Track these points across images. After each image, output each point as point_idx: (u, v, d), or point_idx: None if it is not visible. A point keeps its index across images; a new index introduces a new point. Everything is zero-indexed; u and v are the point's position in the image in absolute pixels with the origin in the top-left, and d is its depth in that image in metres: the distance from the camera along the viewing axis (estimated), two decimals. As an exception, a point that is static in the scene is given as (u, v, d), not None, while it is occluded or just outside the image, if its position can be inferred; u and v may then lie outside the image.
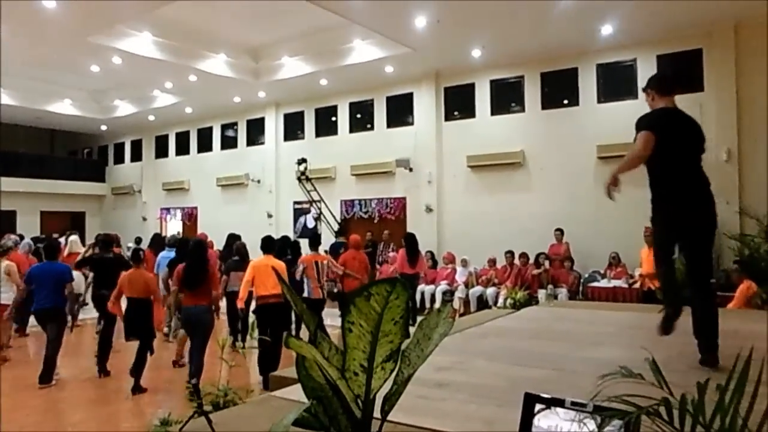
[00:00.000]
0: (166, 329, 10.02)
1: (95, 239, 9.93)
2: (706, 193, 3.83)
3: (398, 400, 1.65)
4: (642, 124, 3.81)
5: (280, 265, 7.61)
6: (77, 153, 24.87)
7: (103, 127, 21.45)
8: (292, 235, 15.68)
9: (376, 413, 1.66)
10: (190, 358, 7.06)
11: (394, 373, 1.60)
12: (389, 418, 1.71)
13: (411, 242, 11.03)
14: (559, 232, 12.00)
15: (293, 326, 9.22)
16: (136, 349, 7.30)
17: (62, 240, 12.27)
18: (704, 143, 3.93)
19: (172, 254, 9.64)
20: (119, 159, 23.06)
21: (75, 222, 21.50)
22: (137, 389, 7.06)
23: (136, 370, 7.12)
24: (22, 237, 11.75)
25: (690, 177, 3.81)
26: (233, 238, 11.02)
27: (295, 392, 2.56)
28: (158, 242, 11.63)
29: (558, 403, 1.71)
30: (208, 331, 6.97)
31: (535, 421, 1.74)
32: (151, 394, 7.12)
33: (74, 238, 12.44)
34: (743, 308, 7.09)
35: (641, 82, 11.69)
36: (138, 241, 15.05)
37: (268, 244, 7.94)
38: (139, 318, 7.26)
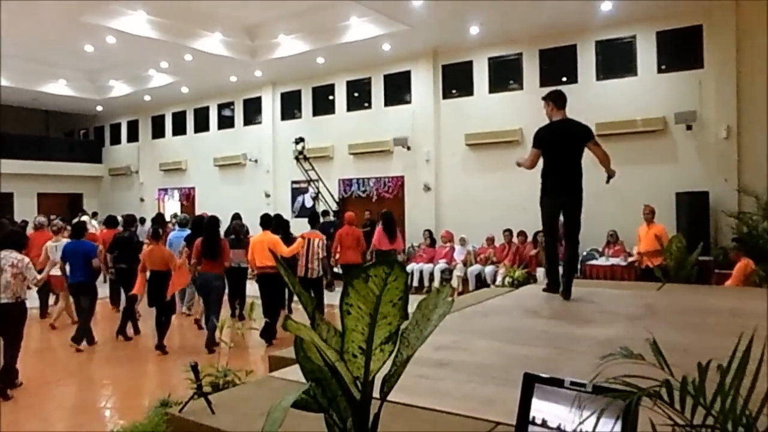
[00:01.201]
0: (185, 308, 10.65)
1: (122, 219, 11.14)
2: (577, 183, 5.31)
3: (397, 381, 1.64)
4: (534, 141, 5.34)
5: (275, 239, 8.75)
6: (73, 134, 24.75)
7: (99, 108, 21.30)
8: (290, 215, 15.88)
9: (375, 394, 1.66)
10: (206, 319, 8.40)
11: (393, 355, 1.59)
12: (388, 398, 1.70)
13: (388, 220, 11.34)
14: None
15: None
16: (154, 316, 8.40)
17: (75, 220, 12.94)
18: (585, 141, 5.31)
19: (183, 233, 10.31)
20: (116, 140, 22.94)
21: (72, 203, 21.45)
22: (161, 348, 8.06)
23: (161, 332, 8.15)
24: (49, 218, 12.54)
25: (565, 172, 5.28)
26: (234, 218, 11.62)
27: (295, 372, 2.56)
28: (161, 222, 12.52)
29: (557, 383, 1.70)
30: (220, 293, 8.44)
31: (534, 400, 1.74)
32: (176, 353, 8.13)
33: (86, 218, 13.35)
34: (741, 286, 7.12)
35: (641, 59, 11.71)
36: (143, 221, 15.19)
37: (266, 221, 9.07)
38: (158, 288, 8.21)
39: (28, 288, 6.64)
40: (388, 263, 1.39)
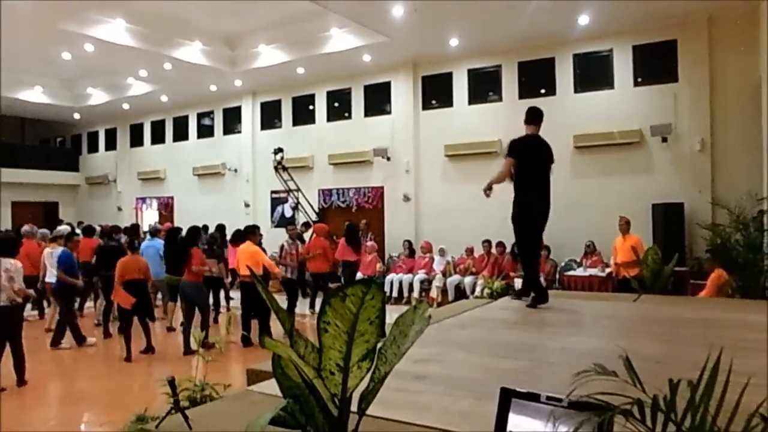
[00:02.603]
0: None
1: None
2: (547, 194, 5.55)
3: (375, 397, 1.65)
4: (509, 150, 5.65)
5: (256, 250, 9.30)
6: (49, 142, 24.38)
7: (76, 116, 21.01)
8: (269, 225, 15.96)
9: (353, 410, 1.66)
10: (185, 324, 8.85)
11: (371, 371, 1.59)
12: (367, 412, 1.71)
13: (351, 232, 12.02)
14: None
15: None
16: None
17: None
18: (552, 158, 5.68)
19: (154, 242, 10.76)
20: (93, 148, 22.65)
21: (48, 212, 21.11)
22: (149, 349, 8.61)
23: (146, 335, 8.61)
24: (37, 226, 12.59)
25: (537, 184, 5.53)
26: (204, 230, 12.10)
27: (273, 386, 2.54)
28: (136, 233, 13.01)
29: (533, 397, 1.72)
30: (198, 299, 9.00)
31: (511, 415, 1.75)
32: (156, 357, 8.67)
33: (66, 227, 13.14)
34: (714, 296, 7.24)
35: (617, 72, 11.90)
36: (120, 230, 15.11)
37: (248, 232, 9.69)
38: (137, 296, 8.51)
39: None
40: (365, 282, 1.40)
